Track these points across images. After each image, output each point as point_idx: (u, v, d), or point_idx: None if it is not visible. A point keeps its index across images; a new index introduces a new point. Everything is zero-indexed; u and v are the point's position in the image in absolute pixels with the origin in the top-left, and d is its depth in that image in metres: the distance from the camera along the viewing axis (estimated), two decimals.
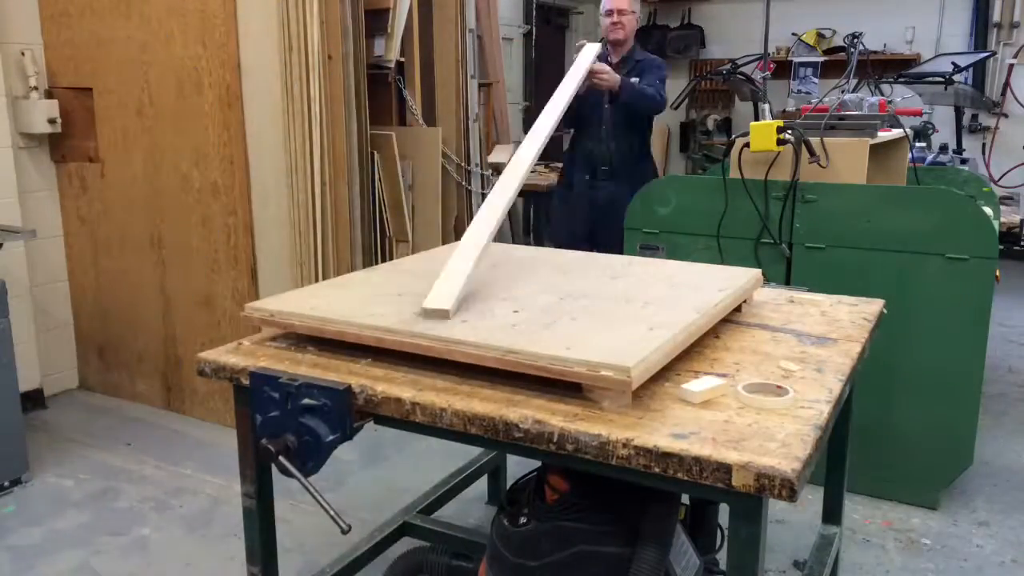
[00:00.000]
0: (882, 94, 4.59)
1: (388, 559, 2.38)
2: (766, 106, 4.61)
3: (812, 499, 2.87)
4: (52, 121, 3.82)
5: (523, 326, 1.65)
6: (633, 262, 2.26)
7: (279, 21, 3.32)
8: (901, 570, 2.66)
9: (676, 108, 6.09)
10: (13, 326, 3.14)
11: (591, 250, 2.70)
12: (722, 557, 2.15)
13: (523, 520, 1.74)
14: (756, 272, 2.10)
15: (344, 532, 1.52)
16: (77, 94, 3.87)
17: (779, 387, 1.50)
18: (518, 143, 7.36)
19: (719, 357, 1.71)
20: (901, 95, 5.28)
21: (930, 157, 4.66)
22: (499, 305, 1.78)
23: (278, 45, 3.34)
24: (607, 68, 3.81)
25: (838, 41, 7.79)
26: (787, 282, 2.82)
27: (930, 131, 5.12)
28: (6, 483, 3.14)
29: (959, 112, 6.67)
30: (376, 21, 3.80)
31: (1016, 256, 6.76)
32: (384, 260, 4.05)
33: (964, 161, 5.25)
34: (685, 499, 1.90)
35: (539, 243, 6.05)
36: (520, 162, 2.19)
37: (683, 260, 2.79)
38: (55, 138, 3.93)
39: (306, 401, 1.56)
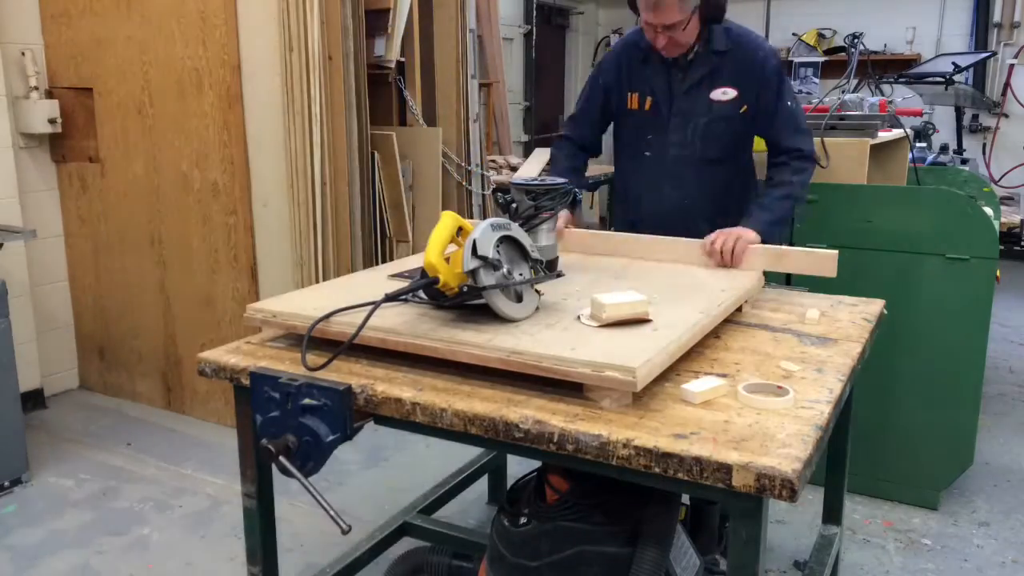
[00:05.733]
0: (882, 94, 4.58)
1: (388, 559, 2.39)
2: None
3: (812, 499, 2.87)
4: (52, 121, 3.82)
5: (526, 326, 1.65)
6: (634, 263, 2.26)
7: (279, 21, 3.32)
8: (901, 570, 2.66)
9: None
10: (13, 326, 3.14)
11: None
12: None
13: (523, 520, 1.74)
14: (757, 272, 2.10)
15: (344, 532, 1.52)
16: (77, 94, 3.87)
17: (779, 387, 1.50)
18: (517, 143, 7.30)
19: (719, 357, 1.71)
20: (901, 95, 5.28)
21: (930, 157, 4.66)
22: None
23: (278, 45, 3.34)
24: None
25: (838, 41, 7.79)
26: (787, 282, 2.82)
27: (930, 131, 5.12)
28: (6, 483, 3.14)
29: (959, 112, 6.67)
30: (376, 21, 3.80)
31: (1016, 256, 6.76)
32: (384, 260, 4.05)
33: (964, 161, 5.25)
34: (685, 499, 1.90)
35: None
36: None
37: None
38: (55, 138, 3.93)
39: (306, 401, 1.56)
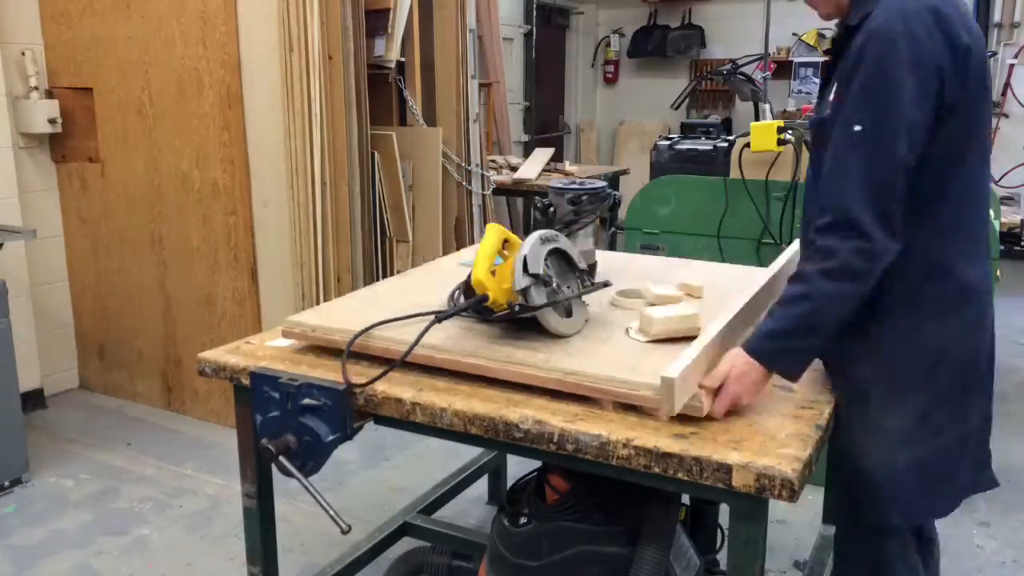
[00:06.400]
0: None
1: (388, 559, 2.38)
2: (767, 106, 4.60)
3: (812, 499, 2.87)
4: (52, 121, 3.82)
5: (577, 341, 1.60)
6: (670, 264, 2.24)
7: (279, 21, 3.32)
8: None
9: (676, 108, 6.09)
10: (13, 326, 3.14)
11: None
12: (722, 557, 2.15)
13: (523, 520, 1.74)
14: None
15: (344, 532, 1.52)
16: (77, 94, 3.87)
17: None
18: (517, 143, 7.26)
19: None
20: None
21: None
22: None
23: (278, 45, 3.34)
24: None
25: None
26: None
27: None
28: (6, 483, 3.14)
29: None
30: (376, 21, 3.79)
31: (1016, 256, 6.76)
32: (384, 260, 4.05)
33: None
34: (685, 499, 1.90)
35: None
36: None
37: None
38: (55, 138, 3.93)
39: (306, 401, 1.56)
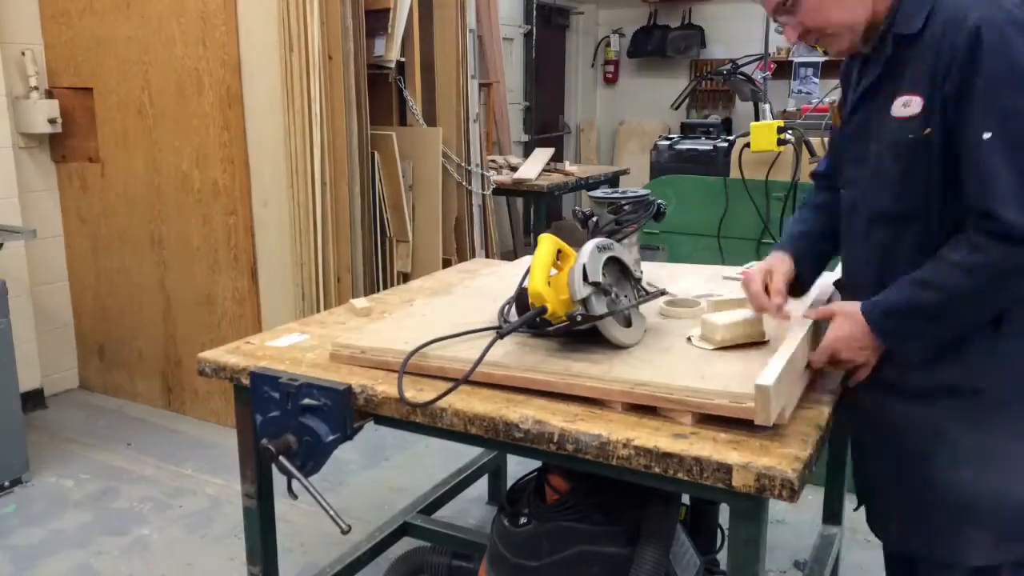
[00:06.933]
0: None
1: (388, 559, 2.38)
2: (767, 106, 4.60)
3: (812, 499, 2.87)
4: (52, 121, 3.82)
5: (639, 352, 1.56)
6: (716, 272, 2.22)
7: (279, 21, 3.32)
8: None
9: (676, 108, 6.08)
10: (13, 326, 3.14)
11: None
12: (722, 557, 2.15)
13: (523, 520, 1.74)
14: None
15: (344, 532, 1.52)
16: (77, 94, 3.87)
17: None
18: (517, 143, 7.22)
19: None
20: None
21: None
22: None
23: (278, 45, 3.34)
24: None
25: None
26: None
27: None
28: (6, 483, 3.14)
29: None
30: (376, 21, 3.80)
31: None
32: (384, 260, 4.05)
33: None
34: (685, 499, 1.90)
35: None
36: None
37: (683, 260, 2.80)
38: (55, 138, 3.93)
39: (306, 401, 1.56)
